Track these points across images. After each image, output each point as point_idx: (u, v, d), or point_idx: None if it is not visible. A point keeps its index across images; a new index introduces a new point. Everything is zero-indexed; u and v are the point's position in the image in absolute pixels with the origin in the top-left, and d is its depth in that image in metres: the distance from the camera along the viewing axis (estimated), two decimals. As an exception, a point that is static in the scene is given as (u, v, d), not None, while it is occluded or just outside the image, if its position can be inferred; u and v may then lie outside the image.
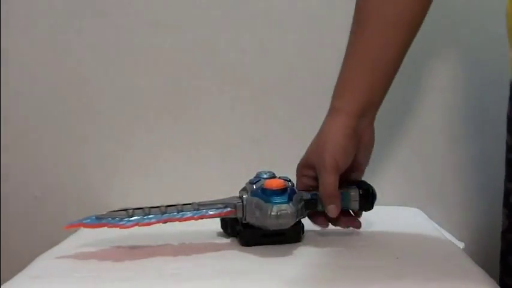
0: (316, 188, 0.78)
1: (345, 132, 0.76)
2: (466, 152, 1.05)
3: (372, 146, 0.80)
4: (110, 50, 1.04)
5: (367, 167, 0.82)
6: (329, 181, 0.76)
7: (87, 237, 0.80)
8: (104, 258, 0.74)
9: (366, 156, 0.81)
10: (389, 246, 0.79)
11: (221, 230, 0.83)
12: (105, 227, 0.75)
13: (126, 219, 0.74)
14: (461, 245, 0.93)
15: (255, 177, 0.79)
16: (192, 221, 0.77)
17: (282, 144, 1.03)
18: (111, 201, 1.05)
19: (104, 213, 0.76)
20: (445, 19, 1.00)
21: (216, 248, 0.78)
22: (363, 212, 0.82)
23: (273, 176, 0.78)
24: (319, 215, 0.80)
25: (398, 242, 0.81)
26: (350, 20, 0.79)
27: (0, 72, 1.03)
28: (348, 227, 0.81)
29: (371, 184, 0.81)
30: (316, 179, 0.78)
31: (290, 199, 0.74)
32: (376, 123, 0.80)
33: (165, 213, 0.76)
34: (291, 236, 0.79)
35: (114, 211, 0.76)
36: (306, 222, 0.81)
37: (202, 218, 0.77)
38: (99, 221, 0.75)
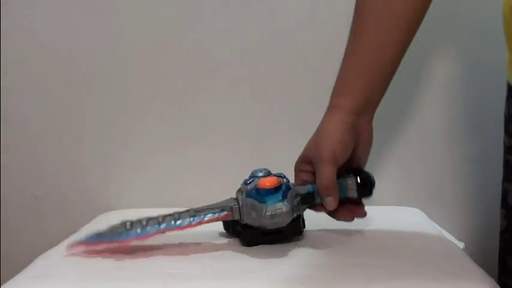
0: (314, 183, 0.77)
1: (343, 127, 0.76)
2: (465, 152, 1.05)
3: (371, 144, 0.80)
4: (109, 50, 1.04)
5: (366, 167, 0.82)
6: (326, 171, 0.75)
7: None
8: (104, 258, 0.74)
9: (365, 155, 0.80)
10: (389, 246, 0.79)
11: (223, 231, 0.82)
12: (105, 246, 0.76)
13: (125, 233, 0.76)
14: (461, 245, 0.93)
15: (250, 176, 0.78)
16: (192, 222, 0.77)
17: (282, 144, 1.03)
18: (111, 201, 1.05)
19: (104, 229, 0.77)
20: (444, 19, 1.00)
21: (217, 248, 0.78)
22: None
23: (268, 174, 0.78)
24: (321, 207, 0.79)
25: (398, 242, 0.81)
26: (350, 20, 0.79)
27: (0, 72, 1.03)
28: (352, 218, 0.80)
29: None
30: (314, 174, 0.77)
31: (285, 197, 0.74)
32: (375, 124, 0.80)
33: (162, 223, 0.76)
34: (292, 231, 0.78)
35: (113, 226, 0.77)
36: (307, 220, 0.81)
37: (200, 224, 0.77)
38: (99, 239, 0.76)
